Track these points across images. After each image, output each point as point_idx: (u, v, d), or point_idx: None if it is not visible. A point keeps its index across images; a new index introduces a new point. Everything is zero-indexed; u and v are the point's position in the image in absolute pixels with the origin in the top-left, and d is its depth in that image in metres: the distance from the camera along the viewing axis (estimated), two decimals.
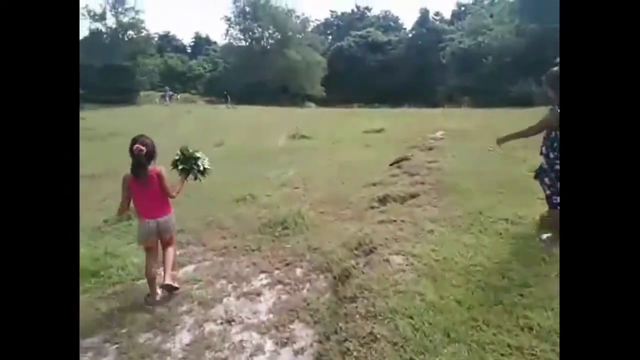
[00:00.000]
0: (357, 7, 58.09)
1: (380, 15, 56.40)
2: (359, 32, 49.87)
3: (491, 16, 36.55)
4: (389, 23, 54.63)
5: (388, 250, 3.23)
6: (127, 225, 5.17)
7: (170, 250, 3.31)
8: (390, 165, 6.42)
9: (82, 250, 3.57)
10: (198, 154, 3.41)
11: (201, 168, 3.39)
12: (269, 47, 43.19)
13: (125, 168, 3.10)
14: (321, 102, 39.49)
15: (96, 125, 20.81)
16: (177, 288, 3.22)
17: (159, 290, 3.21)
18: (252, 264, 3.65)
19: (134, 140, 3.05)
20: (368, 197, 5.17)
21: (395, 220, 3.94)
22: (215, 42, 54.86)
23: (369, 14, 57.48)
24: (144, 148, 3.01)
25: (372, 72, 44.82)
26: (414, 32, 47.58)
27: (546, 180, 3.09)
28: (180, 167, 3.36)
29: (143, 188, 3.08)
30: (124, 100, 33.16)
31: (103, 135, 17.85)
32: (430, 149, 7.27)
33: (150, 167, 3.07)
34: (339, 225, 4.39)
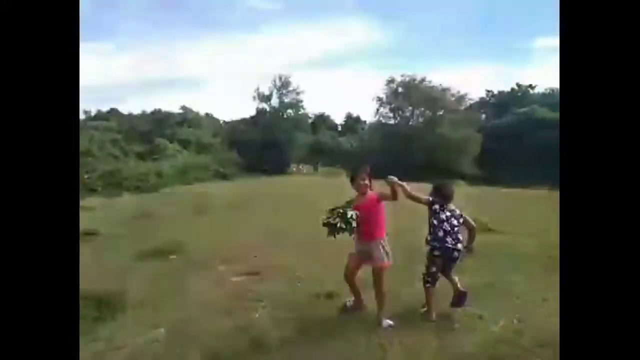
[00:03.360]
0: (518, 86, 52.39)
1: (547, 92, 49.49)
2: (521, 109, 44.02)
3: None
4: (556, 100, 47.27)
5: None
6: None
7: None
8: None
9: None
10: (343, 210, 3.64)
11: (338, 225, 3.57)
12: (419, 124, 40.91)
13: None
14: (473, 181, 34.26)
15: (243, 194, 20.29)
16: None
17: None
18: None
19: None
20: None
21: None
22: (365, 121, 55.33)
23: (532, 91, 51.18)
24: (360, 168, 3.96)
25: (533, 151, 37.95)
26: None
27: None
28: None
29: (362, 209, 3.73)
30: (277, 170, 34.12)
31: (246, 204, 16.72)
32: None
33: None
34: None
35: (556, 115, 41.35)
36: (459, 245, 3.68)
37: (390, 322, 3.50)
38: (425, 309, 3.78)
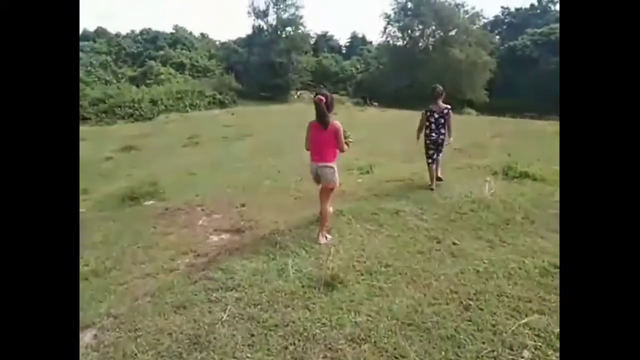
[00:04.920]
0: (538, 1, 47.39)
1: None
2: (539, 30, 40.13)
3: None
4: None
5: None
6: None
7: (325, 208, 3.89)
8: None
9: None
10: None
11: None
12: (429, 46, 37.53)
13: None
14: (482, 109, 32.04)
15: (238, 124, 18.74)
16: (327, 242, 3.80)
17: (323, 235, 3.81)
18: None
19: (316, 94, 3.81)
20: None
21: None
22: (370, 42, 51.26)
23: (552, 8, 46.37)
24: (323, 98, 3.67)
25: (552, 77, 35.05)
26: None
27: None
28: None
29: (319, 133, 3.74)
30: (276, 97, 31.96)
31: (242, 134, 15.30)
32: None
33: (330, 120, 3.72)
34: None
35: None
36: (441, 137, 5.45)
37: (329, 237, 3.88)
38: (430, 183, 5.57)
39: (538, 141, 9.45)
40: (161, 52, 37.08)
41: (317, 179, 3.88)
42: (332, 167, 3.79)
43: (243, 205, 5.76)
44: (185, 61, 36.78)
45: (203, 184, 7.39)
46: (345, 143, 3.80)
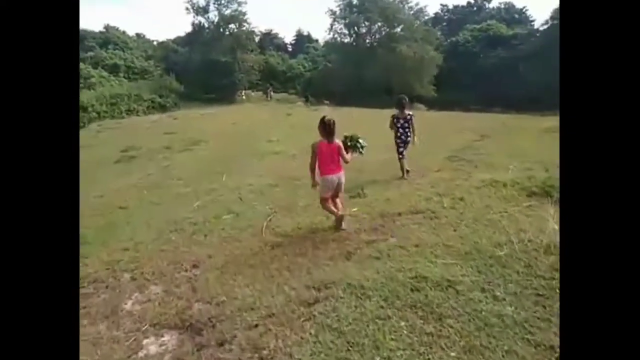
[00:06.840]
0: None
1: (502, 7, 46.19)
2: (477, 26, 40.84)
3: None
4: (512, 15, 44.39)
5: None
6: None
7: (338, 200, 4.44)
8: None
9: None
10: (359, 138, 4.51)
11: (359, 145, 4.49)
12: (375, 42, 36.71)
13: None
14: (431, 104, 31.74)
15: (182, 130, 16.30)
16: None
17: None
18: None
19: (324, 118, 4.23)
20: None
21: None
22: (316, 40, 49.77)
23: (488, 6, 47.61)
24: (332, 120, 4.17)
25: (493, 70, 35.65)
26: (554, 22, 37.12)
27: None
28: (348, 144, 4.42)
29: (329, 151, 4.18)
30: (222, 98, 29.40)
31: (187, 143, 12.98)
32: None
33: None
34: None
35: (513, 32, 38.81)
36: (405, 137, 6.38)
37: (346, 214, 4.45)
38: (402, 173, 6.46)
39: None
40: (90, 53, 32.89)
41: (336, 187, 4.32)
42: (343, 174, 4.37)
43: (195, 266, 3.84)
44: (119, 62, 32.95)
45: (137, 225, 5.30)
46: (361, 147, 4.48)
